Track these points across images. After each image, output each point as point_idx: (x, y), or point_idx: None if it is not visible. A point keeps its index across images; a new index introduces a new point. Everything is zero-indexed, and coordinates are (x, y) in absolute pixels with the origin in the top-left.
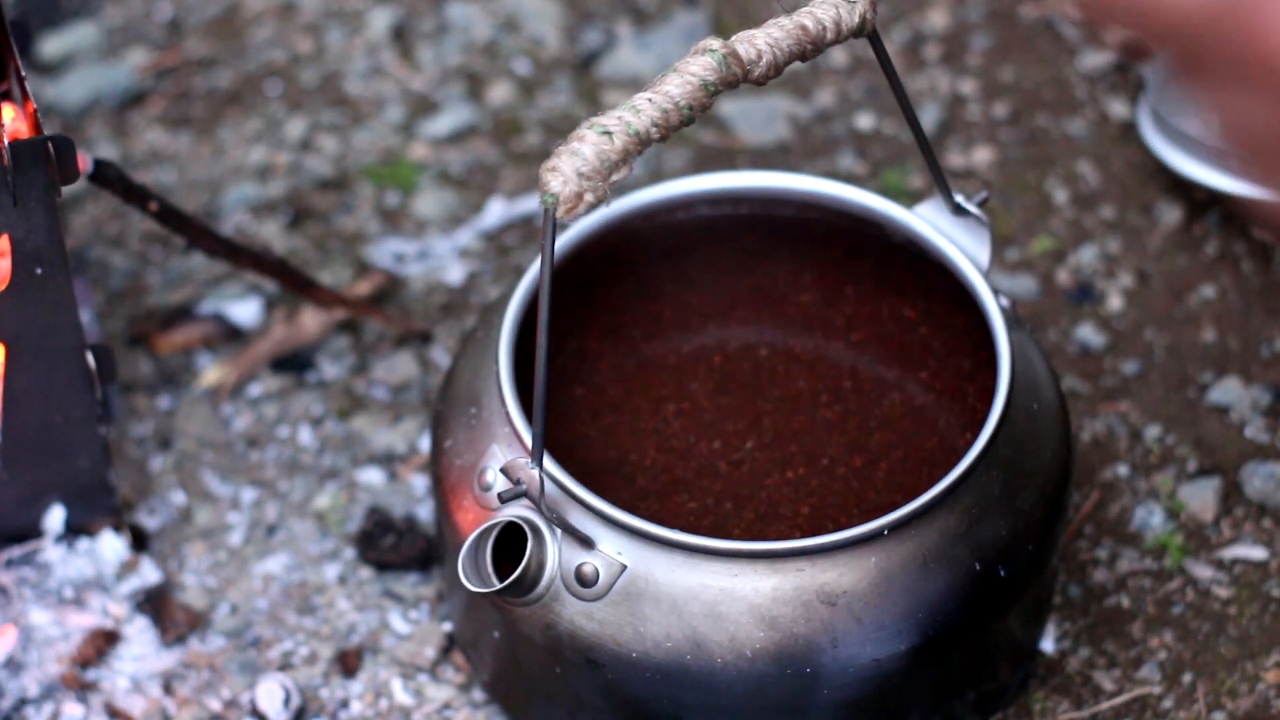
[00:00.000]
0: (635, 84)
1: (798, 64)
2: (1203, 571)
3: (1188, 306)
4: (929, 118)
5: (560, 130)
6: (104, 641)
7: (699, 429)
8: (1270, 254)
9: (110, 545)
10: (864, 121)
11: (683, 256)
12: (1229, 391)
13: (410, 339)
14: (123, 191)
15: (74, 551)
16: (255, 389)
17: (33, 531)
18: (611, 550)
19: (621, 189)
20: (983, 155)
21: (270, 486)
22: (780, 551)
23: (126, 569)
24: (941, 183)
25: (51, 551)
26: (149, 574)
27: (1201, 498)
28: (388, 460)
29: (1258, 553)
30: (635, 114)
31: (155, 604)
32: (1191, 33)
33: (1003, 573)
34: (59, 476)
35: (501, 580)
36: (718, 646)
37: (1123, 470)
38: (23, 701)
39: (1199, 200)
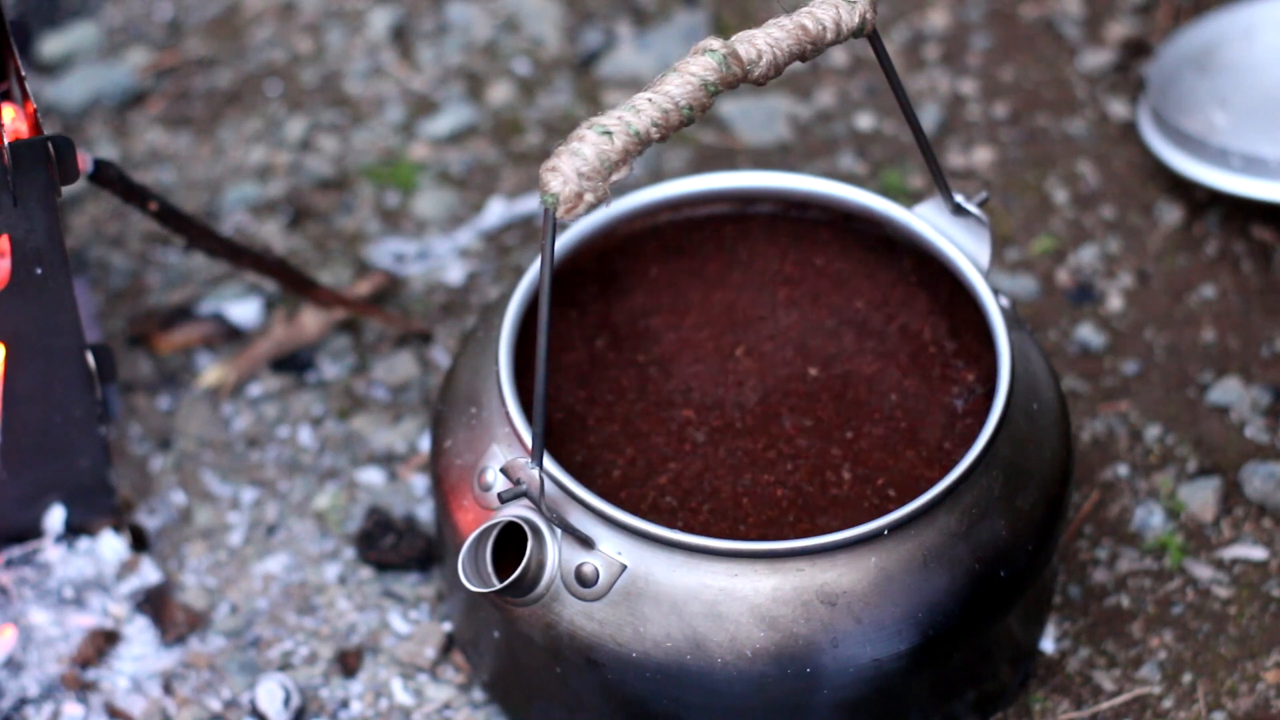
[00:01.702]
0: (635, 84)
1: (798, 64)
2: (1203, 571)
3: (1188, 306)
4: (929, 118)
5: (560, 130)
6: (104, 641)
7: (696, 428)
8: (1270, 254)
9: (110, 545)
10: (864, 121)
11: (682, 256)
12: (1229, 391)
13: (410, 339)
14: (123, 191)
15: (74, 551)
16: (255, 389)
17: (33, 531)
18: (611, 550)
19: (621, 189)
20: (983, 155)
21: (270, 486)
22: (780, 551)
23: (126, 569)
24: (941, 183)
25: (51, 551)
26: (149, 574)
27: (1201, 498)
28: (388, 460)
29: (1258, 553)
30: (635, 114)
31: (155, 604)
32: None
33: (1003, 573)
34: (59, 476)
35: (501, 580)
36: (718, 646)
37: (1123, 470)
38: (23, 701)
39: (1199, 200)
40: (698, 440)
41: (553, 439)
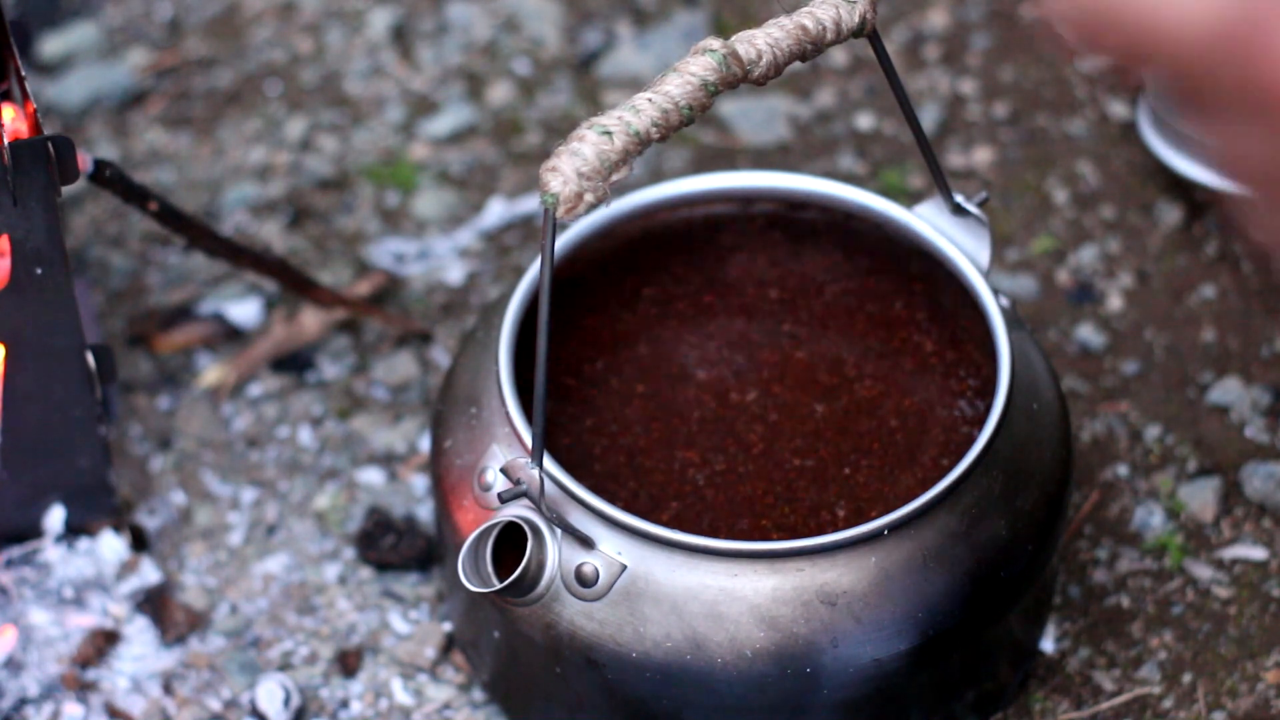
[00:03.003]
0: (635, 84)
1: (798, 64)
2: (1203, 571)
3: (1188, 306)
4: (929, 118)
5: (560, 130)
6: (104, 641)
7: (697, 429)
8: (1270, 254)
9: (110, 545)
10: (864, 121)
11: (681, 257)
12: (1229, 391)
13: (410, 339)
14: (123, 191)
15: (74, 551)
16: (255, 389)
17: (33, 531)
18: (611, 550)
19: (621, 189)
20: (983, 155)
21: (270, 486)
22: (780, 551)
23: (126, 569)
24: (941, 183)
25: (51, 551)
26: (149, 574)
27: (1201, 498)
28: (388, 460)
29: (1258, 553)
30: (635, 114)
31: (155, 604)
32: (1189, 60)
33: (1003, 573)
34: (59, 476)
35: (501, 580)
36: (718, 646)
37: (1123, 470)
38: (23, 701)
39: (1199, 200)
40: (699, 482)
41: (560, 464)
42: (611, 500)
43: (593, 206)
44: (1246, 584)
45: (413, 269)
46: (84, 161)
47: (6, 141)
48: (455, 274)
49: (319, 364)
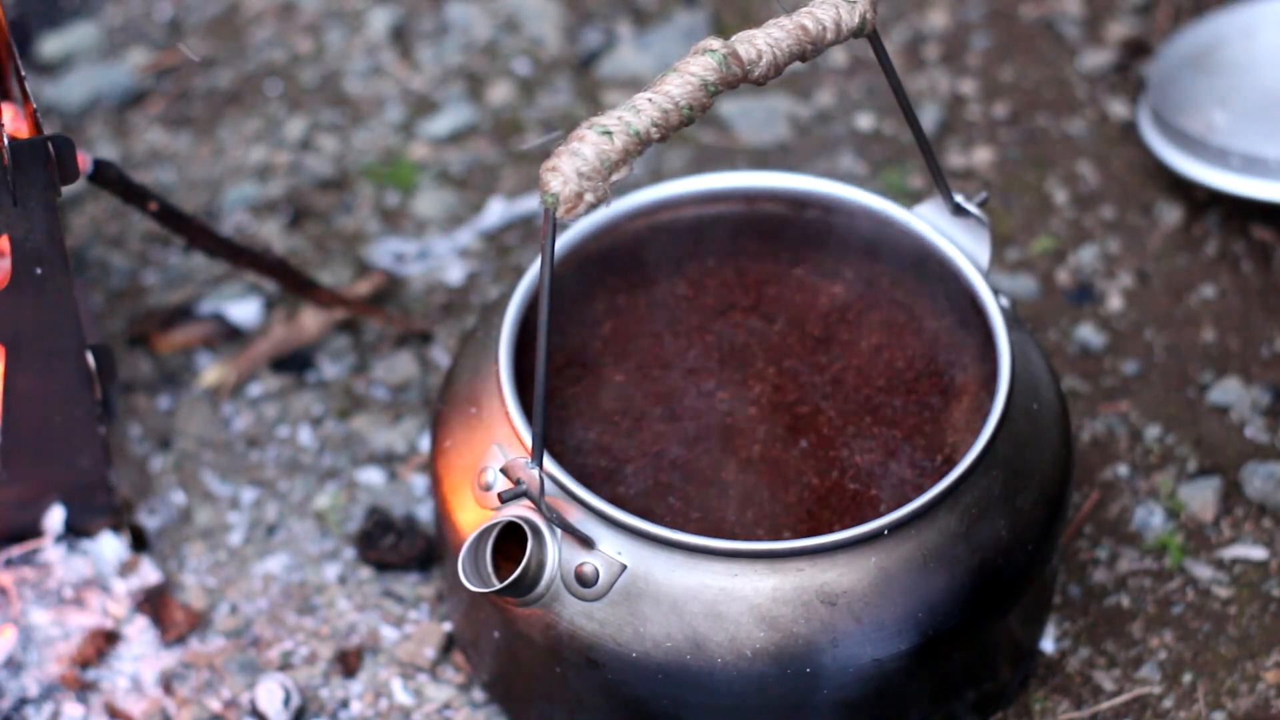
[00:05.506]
0: (635, 84)
1: (798, 64)
2: (1203, 571)
3: (1188, 306)
4: (929, 118)
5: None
6: (104, 641)
7: (697, 427)
8: (1270, 254)
9: (110, 545)
10: (864, 121)
11: (680, 256)
12: (1229, 391)
13: (410, 339)
14: (123, 191)
15: (74, 551)
16: (255, 389)
17: (33, 531)
18: (611, 550)
19: (621, 189)
20: (983, 155)
21: (270, 486)
22: (780, 551)
23: (126, 569)
24: (941, 183)
25: (51, 551)
26: (149, 574)
27: (1201, 498)
28: (388, 460)
29: (1258, 553)
30: (635, 114)
31: (155, 604)
32: None
33: (1003, 573)
34: (59, 476)
35: (501, 580)
36: (718, 646)
37: (1123, 470)
38: (23, 701)
39: (1199, 200)
40: (698, 481)
41: (559, 463)
42: (611, 500)
43: (593, 206)
44: (1246, 584)
45: (413, 269)
46: (84, 161)
47: (6, 141)
48: (455, 274)
49: (319, 364)
